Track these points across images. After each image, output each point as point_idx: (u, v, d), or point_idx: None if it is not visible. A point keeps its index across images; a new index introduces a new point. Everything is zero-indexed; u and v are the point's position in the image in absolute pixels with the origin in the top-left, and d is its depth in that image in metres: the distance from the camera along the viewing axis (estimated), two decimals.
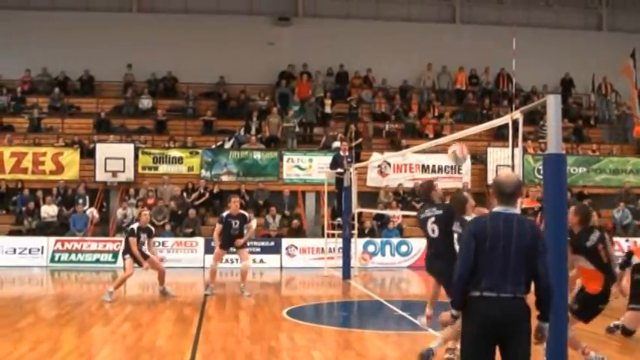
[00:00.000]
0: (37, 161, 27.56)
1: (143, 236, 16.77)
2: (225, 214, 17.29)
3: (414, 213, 24.77)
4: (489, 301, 5.78)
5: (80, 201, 26.08)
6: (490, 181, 27.22)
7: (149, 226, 17.36)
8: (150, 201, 26.35)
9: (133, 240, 16.56)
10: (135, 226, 16.99)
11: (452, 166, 28.00)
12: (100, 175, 26.98)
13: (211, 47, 31.38)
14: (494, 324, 5.76)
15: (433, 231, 10.17)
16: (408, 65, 32.74)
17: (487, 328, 5.77)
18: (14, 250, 24.27)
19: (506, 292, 5.76)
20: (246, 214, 17.90)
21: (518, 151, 8.76)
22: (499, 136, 27.08)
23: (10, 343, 10.85)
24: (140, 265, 16.66)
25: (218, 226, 17.18)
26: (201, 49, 31.34)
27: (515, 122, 8.76)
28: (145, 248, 16.83)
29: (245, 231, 17.25)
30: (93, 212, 25.71)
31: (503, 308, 5.76)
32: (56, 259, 24.32)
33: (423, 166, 28.25)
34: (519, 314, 5.81)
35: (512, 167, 8.89)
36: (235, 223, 16.96)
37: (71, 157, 27.71)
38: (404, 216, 25.72)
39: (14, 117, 30.53)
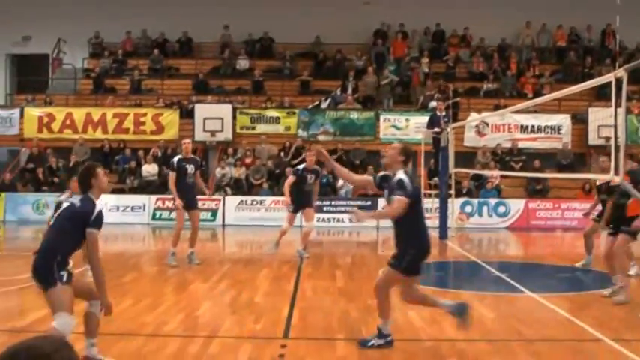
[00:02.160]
0: (138, 122, 28.18)
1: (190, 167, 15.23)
2: (301, 167, 16.59)
3: (512, 173, 24.60)
4: None
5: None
6: (591, 141, 26.70)
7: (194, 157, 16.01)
8: (247, 160, 26.68)
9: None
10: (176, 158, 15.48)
11: (551, 127, 27.50)
12: (199, 135, 27.40)
13: (307, 7, 31.36)
14: None
15: None
16: (507, 23, 32.10)
17: None
18: (117, 208, 24.92)
19: None
20: (319, 169, 16.88)
21: (621, 110, 8.54)
22: (601, 95, 26.38)
23: (114, 297, 11.08)
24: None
25: (291, 178, 16.41)
26: (297, 9, 31.37)
27: (618, 80, 8.53)
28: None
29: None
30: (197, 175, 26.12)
31: None
32: (157, 216, 24.88)
33: (522, 126, 27.80)
34: None
35: (615, 127, 8.67)
36: (310, 178, 16.25)
37: (171, 118, 28.23)
38: (502, 176, 25.42)
39: (116, 79, 31.27)
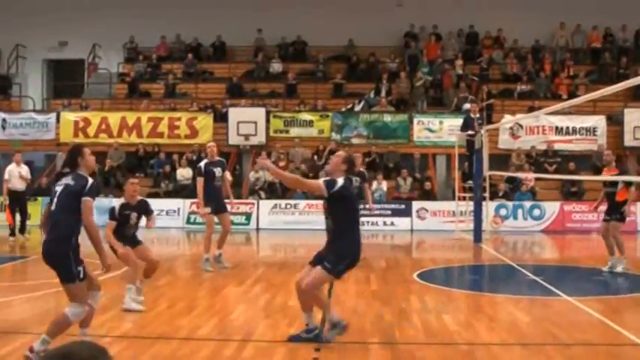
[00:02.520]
0: (172, 126, 28.35)
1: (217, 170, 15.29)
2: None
3: (547, 176, 24.43)
4: None
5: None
6: (627, 142, 26.47)
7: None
8: (281, 164, 26.69)
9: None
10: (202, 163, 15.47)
11: (586, 128, 27.28)
12: (233, 139, 27.50)
13: (340, 10, 31.42)
14: None
15: None
16: (540, 24, 31.86)
17: None
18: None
19: None
20: (365, 174, 16.45)
21: None
22: (637, 95, 26.19)
23: (150, 301, 11.24)
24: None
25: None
26: (330, 11, 31.44)
27: None
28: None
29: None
30: (226, 175, 26.19)
31: None
32: (191, 220, 24.99)
33: (557, 127, 27.58)
34: None
35: None
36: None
37: (205, 122, 28.36)
38: (537, 179, 25.26)
39: (150, 83, 31.52)
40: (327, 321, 8.92)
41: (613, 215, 14.88)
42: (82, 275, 7.85)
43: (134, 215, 11.19)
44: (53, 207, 8.05)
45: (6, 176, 21.02)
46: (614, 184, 14.74)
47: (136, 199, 11.49)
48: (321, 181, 8.89)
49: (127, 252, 10.85)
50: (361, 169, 16.31)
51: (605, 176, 14.94)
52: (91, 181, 8.05)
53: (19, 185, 21.13)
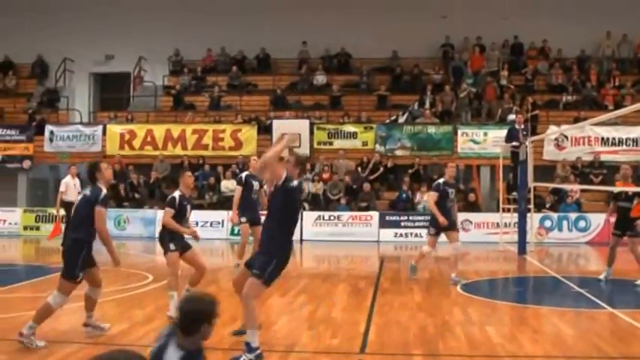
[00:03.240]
0: (216, 137, 28.55)
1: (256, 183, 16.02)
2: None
3: (592, 187, 24.19)
4: None
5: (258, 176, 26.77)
6: None
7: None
8: (325, 175, 26.80)
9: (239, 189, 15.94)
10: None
11: (633, 139, 27.00)
12: None
13: (384, 22, 31.40)
14: None
15: None
16: (586, 34, 31.58)
17: None
18: (197, 223, 25.19)
19: None
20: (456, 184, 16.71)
21: None
22: None
23: None
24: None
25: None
26: (374, 24, 31.44)
27: None
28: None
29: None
30: (263, 189, 26.30)
31: None
32: (236, 232, 25.06)
33: (603, 138, 27.30)
34: None
35: None
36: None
37: (249, 134, 28.51)
38: (582, 190, 25.02)
39: (195, 96, 31.79)
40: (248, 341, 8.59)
41: (628, 232, 14.83)
42: (78, 280, 9.39)
43: (189, 207, 11.37)
44: (73, 213, 9.72)
45: (62, 188, 21.24)
46: (630, 199, 14.62)
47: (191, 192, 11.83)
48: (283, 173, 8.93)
49: (175, 255, 11.02)
50: (453, 181, 16.10)
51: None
52: (104, 192, 9.48)
53: (73, 197, 21.41)
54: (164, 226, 11.13)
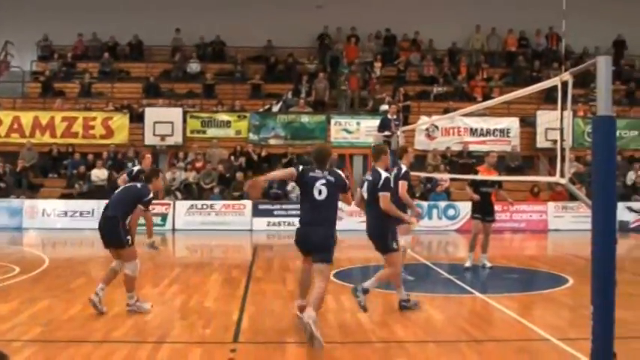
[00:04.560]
0: (87, 126, 27.92)
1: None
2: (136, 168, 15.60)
3: (462, 176, 24.76)
4: None
5: (129, 165, 26.30)
6: (539, 144, 27.08)
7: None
8: (198, 164, 26.56)
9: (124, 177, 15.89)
10: (135, 168, 16.07)
11: (500, 130, 27.82)
12: (149, 139, 27.22)
13: (259, 10, 31.30)
14: None
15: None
16: (457, 27, 32.37)
17: None
18: (65, 213, 24.66)
19: None
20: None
21: (567, 114, 8.64)
22: (549, 98, 26.72)
23: (63, 303, 11.09)
24: None
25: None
26: (249, 12, 31.30)
27: (564, 84, 8.63)
28: None
29: None
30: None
31: None
32: None
33: (472, 129, 28.03)
34: None
35: (562, 130, 8.79)
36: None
37: (121, 122, 28.01)
38: (452, 179, 25.59)
39: (65, 82, 30.92)
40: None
41: (488, 216, 15.40)
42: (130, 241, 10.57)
43: None
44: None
45: None
46: (493, 185, 15.24)
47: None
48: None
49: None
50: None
51: (522, 177, 15.27)
52: (151, 193, 10.72)
53: None
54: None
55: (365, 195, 10.67)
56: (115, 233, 10.43)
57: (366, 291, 10.12)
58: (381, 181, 10.23)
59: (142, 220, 11.17)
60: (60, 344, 8.66)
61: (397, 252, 10.49)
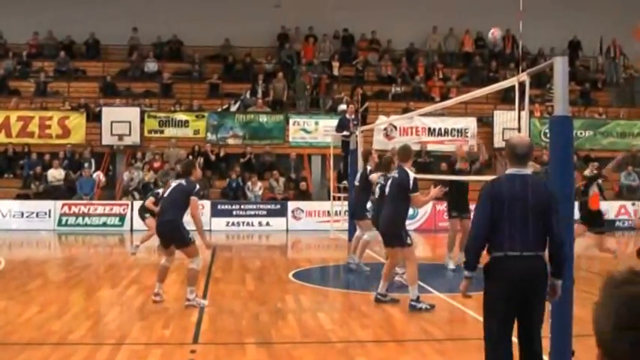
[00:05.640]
0: (43, 125, 27.59)
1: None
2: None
3: (419, 176, 24.88)
4: (514, 260, 5.94)
5: (86, 165, 26.13)
6: (496, 144, 27.26)
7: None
8: (156, 164, 26.39)
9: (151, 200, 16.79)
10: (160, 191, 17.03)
11: (458, 129, 28.01)
12: (107, 139, 27.00)
13: (216, 10, 31.14)
14: (519, 282, 5.93)
15: None
16: (414, 28, 32.51)
17: (512, 286, 5.96)
18: (22, 214, 24.37)
19: (529, 250, 5.93)
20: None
21: (524, 114, 8.73)
22: (506, 98, 26.92)
23: (19, 306, 10.95)
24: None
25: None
26: (207, 11, 31.11)
27: (521, 85, 8.72)
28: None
29: None
30: (99, 176, 25.74)
31: (527, 266, 5.95)
32: (63, 222, 24.40)
33: (430, 128, 28.19)
34: (541, 271, 6.03)
35: (519, 130, 8.87)
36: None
37: (77, 121, 27.74)
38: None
39: (20, 81, 30.50)
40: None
41: (464, 213, 15.43)
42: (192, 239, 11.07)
43: None
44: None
45: None
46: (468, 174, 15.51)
47: None
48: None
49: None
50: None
51: (479, 177, 15.29)
52: (198, 186, 11.25)
53: None
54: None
55: (386, 191, 11.29)
56: (177, 234, 10.91)
57: (417, 299, 10.59)
58: (411, 182, 10.97)
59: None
60: (15, 347, 8.55)
61: (412, 246, 11.26)
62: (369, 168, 14.02)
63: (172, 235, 10.96)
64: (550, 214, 6.00)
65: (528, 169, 6.32)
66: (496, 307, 6.04)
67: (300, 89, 29.82)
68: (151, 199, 16.76)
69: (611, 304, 2.02)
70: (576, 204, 13.19)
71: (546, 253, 6.09)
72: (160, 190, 17.02)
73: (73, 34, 31.96)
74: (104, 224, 24.47)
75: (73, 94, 29.83)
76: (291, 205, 25.12)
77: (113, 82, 30.31)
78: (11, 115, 27.66)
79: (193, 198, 10.82)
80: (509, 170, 6.18)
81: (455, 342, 9.07)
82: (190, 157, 26.76)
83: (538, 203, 5.97)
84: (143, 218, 17.20)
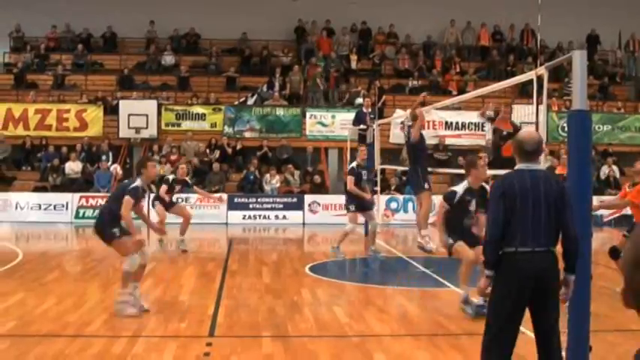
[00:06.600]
0: (61, 118, 27.69)
1: (178, 187, 17.51)
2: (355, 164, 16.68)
3: (437, 169, 24.83)
4: (525, 256, 5.89)
5: (104, 157, 26.19)
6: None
7: (186, 178, 18.01)
8: (173, 157, 26.41)
9: (164, 187, 17.30)
10: (171, 177, 17.76)
11: (475, 123, 27.89)
12: (124, 132, 27.05)
13: (233, 3, 31.16)
14: (530, 278, 5.88)
15: None
16: (432, 21, 32.43)
17: (523, 282, 5.90)
18: (39, 207, 24.45)
19: (541, 246, 5.89)
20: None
21: (542, 108, 8.68)
22: (523, 93, 26.82)
23: (36, 298, 10.99)
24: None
25: (351, 178, 16.34)
26: (224, 4, 31.15)
27: (539, 79, 8.66)
28: (176, 197, 18.09)
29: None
30: (116, 168, 25.77)
31: (538, 262, 5.90)
32: (80, 215, 24.46)
33: (446, 122, 28.09)
34: (553, 267, 5.98)
35: (537, 124, 8.81)
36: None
37: (95, 114, 27.82)
38: (430, 173, 25.60)
39: (38, 74, 30.61)
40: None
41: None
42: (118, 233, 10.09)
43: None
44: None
45: None
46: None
47: None
48: None
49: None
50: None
51: (497, 170, 15.13)
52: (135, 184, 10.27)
53: None
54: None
55: None
56: (99, 227, 10.34)
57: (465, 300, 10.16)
58: None
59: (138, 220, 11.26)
60: (33, 339, 8.58)
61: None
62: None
63: (97, 230, 10.39)
64: (563, 209, 5.95)
65: (538, 164, 6.27)
66: (506, 303, 6.00)
67: (316, 83, 29.74)
68: (164, 186, 16.87)
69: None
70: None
71: (558, 248, 6.05)
72: (171, 177, 17.22)
73: (90, 27, 32.05)
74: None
75: (90, 87, 29.92)
76: (308, 198, 25.09)
77: (130, 75, 30.38)
78: (29, 108, 27.77)
79: (127, 197, 10.05)
80: (519, 165, 6.13)
81: (471, 337, 9.02)
82: (207, 150, 26.85)
83: (550, 198, 5.91)
84: (154, 206, 17.24)
